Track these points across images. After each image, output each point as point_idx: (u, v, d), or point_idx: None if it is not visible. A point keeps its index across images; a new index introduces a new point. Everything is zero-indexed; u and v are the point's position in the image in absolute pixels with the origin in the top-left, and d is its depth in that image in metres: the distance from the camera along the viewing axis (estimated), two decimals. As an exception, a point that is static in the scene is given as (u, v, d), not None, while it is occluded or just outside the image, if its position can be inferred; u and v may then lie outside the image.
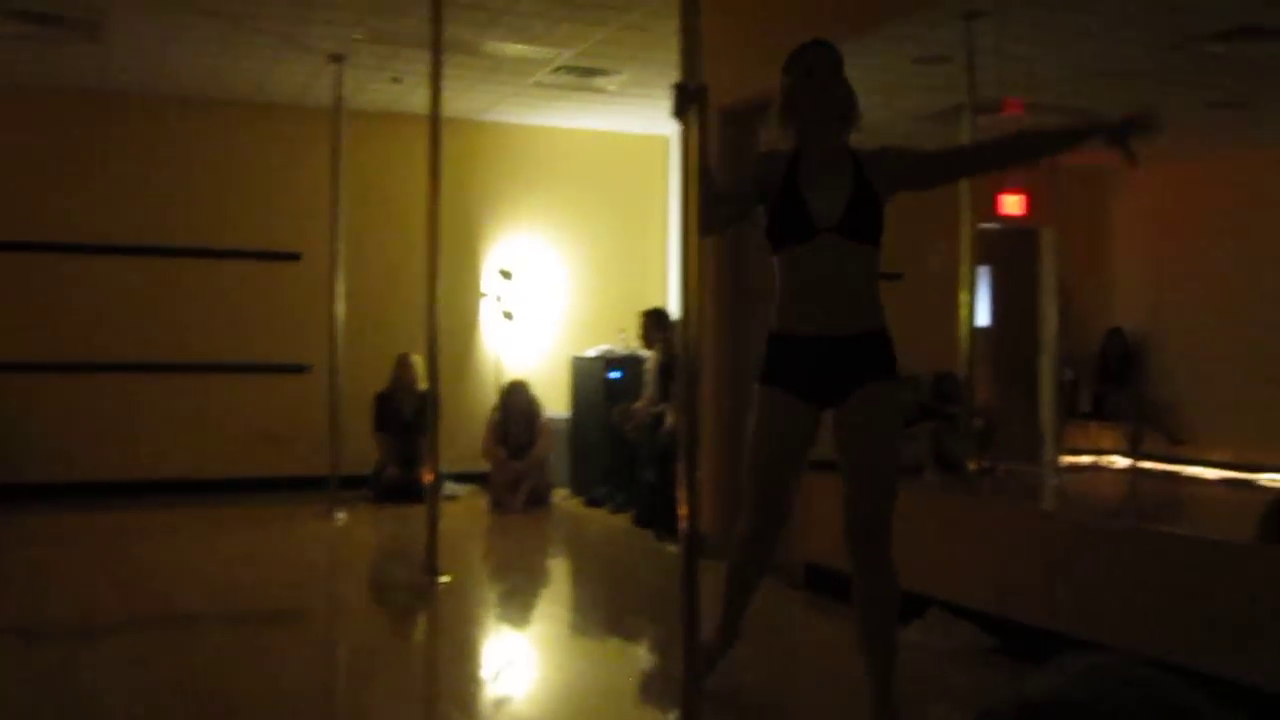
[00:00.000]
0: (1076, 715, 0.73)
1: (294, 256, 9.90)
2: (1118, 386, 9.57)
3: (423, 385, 8.18)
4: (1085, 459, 9.82)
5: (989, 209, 8.28)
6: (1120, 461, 9.67)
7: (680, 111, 3.52)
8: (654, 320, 8.83)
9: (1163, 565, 4.19)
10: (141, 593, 6.16)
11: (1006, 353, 9.03)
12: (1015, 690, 0.79)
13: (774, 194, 3.58)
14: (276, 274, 9.90)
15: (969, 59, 5.84)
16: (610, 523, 8.52)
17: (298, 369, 9.83)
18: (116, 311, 9.51)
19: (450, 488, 8.99)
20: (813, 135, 3.62)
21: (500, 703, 4.36)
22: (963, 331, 6.00)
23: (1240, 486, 8.38)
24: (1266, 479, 8.20)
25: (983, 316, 7.54)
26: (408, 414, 9.28)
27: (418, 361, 8.92)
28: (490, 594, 6.52)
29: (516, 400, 9.37)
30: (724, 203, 3.69)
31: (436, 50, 6.27)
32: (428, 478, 6.37)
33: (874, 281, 3.66)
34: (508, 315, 10.36)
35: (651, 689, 4.55)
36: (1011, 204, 8.44)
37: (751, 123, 6.88)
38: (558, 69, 8.60)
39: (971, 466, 6.25)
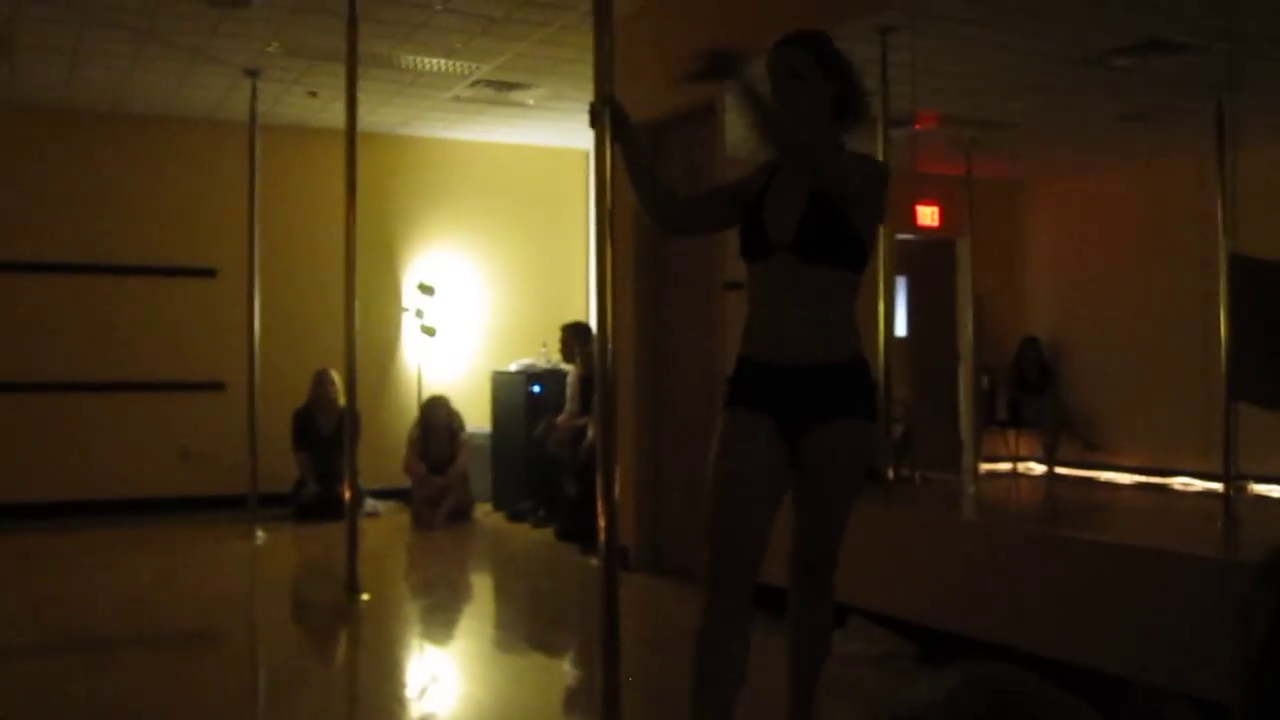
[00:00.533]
0: None
1: (209, 273, 9.77)
2: (1033, 394, 9.72)
3: (342, 401, 8.10)
4: (1003, 466, 9.95)
5: (907, 220, 8.37)
6: (1037, 468, 9.81)
7: (595, 120, 3.51)
8: (574, 334, 8.83)
9: (1078, 570, 4.26)
10: (56, 615, 6.04)
11: (924, 362, 9.13)
12: (890, 705, 0.80)
13: (745, 206, 3.26)
14: (192, 290, 9.77)
15: (883, 73, 5.90)
16: (533, 537, 8.50)
17: (215, 386, 9.70)
18: (26, 329, 9.31)
19: (371, 504, 8.93)
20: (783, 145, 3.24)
21: (422, 720, 4.33)
22: (881, 341, 6.05)
23: (1154, 490, 8.53)
24: (1179, 482, 8.36)
25: (901, 327, 7.61)
26: (327, 430, 9.19)
27: (336, 377, 8.85)
28: (413, 611, 6.47)
29: (437, 415, 9.32)
30: (669, 201, 3.43)
31: (352, 64, 6.24)
32: (347, 494, 6.31)
33: (841, 306, 3.20)
34: (428, 330, 10.30)
35: (575, 703, 4.54)
36: (927, 215, 8.54)
37: (668, 137, 6.91)
38: (475, 83, 8.58)
39: (890, 475, 6.30)
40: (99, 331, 9.51)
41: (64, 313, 9.42)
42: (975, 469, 9.33)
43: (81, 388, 9.45)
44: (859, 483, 3.35)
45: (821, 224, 3.10)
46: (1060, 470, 9.54)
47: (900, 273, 7.06)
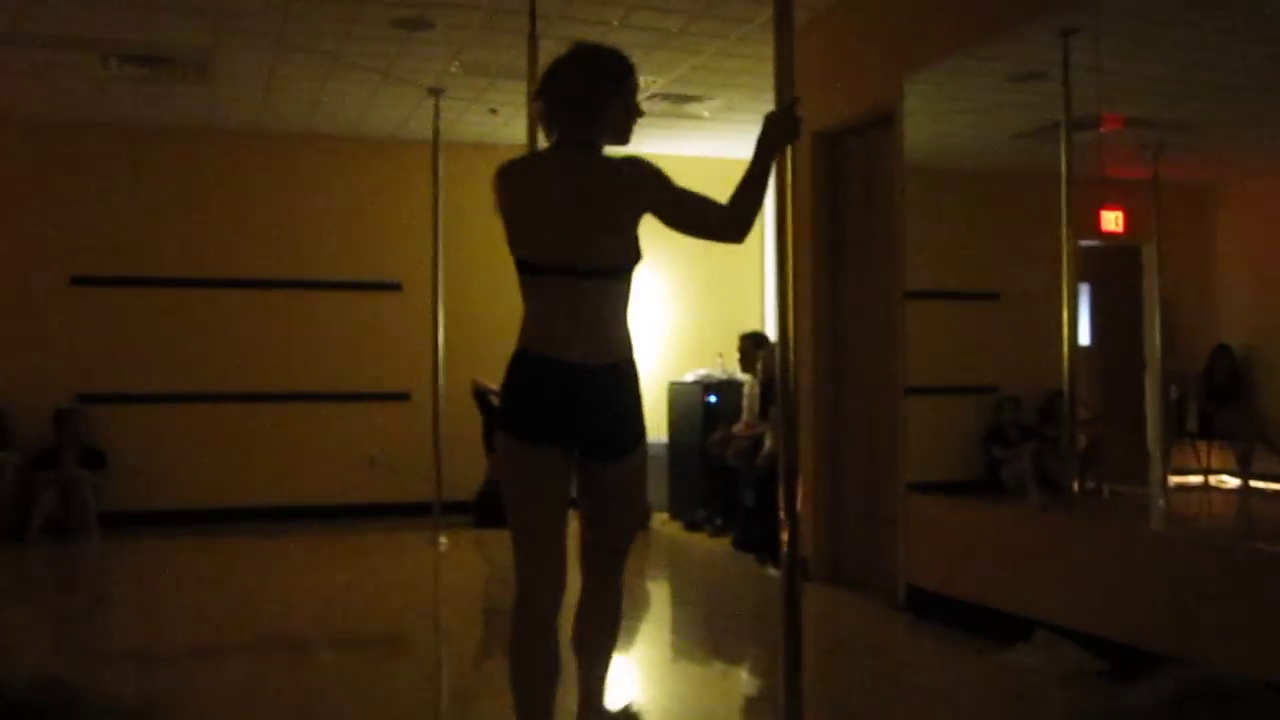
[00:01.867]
0: None
1: (395, 286, 10.07)
2: (1226, 405, 9.38)
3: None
4: (1194, 479, 9.62)
5: (1090, 226, 8.18)
6: (1230, 481, 9.46)
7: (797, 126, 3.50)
8: (752, 343, 8.84)
9: (1275, 585, 4.11)
10: (253, 616, 6.30)
11: (1110, 371, 8.89)
12: (1101, 710, 0.80)
13: None
14: (378, 304, 10.08)
15: (1065, 75, 5.79)
16: (710, 546, 8.53)
17: (400, 396, 9.99)
18: (222, 342, 9.75)
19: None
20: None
21: (604, 725, 4.38)
22: (1065, 350, 5.93)
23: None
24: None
25: (1085, 335, 7.44)
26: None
27: None
28: (592, 618, 6.55)
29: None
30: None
31: (532, 81, 6.35)
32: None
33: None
34: (605, 341, 10.41)
35: (754, 711, 4.55)
36: (1112, 220, 8.33)
37: (846, 146, 6.89)
38: (652, 96, 8.67)
39: (1075, 487, 6.17)
40: (291, 344, 9.89)
41: (259, 326, 9.83)
42: (1164, 481, 9.04)
43: (274, 398, 9.84)
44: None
45: None
46: (1255, 484, 9.19)
47: (1084, 280, 6.90)
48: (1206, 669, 0.78)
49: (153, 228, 9.64)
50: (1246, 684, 0.75)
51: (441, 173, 8.62)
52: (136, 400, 9.51)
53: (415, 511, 9.06)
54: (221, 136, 9.82)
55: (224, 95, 8.69)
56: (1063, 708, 4.35)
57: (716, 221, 3.64)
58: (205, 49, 7.50)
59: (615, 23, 6.97)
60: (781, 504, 3.52)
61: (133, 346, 9.54)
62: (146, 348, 9.57)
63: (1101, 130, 6.96)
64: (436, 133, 8.61)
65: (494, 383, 9.44)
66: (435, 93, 8.40)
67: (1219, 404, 9.38)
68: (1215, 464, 9.47)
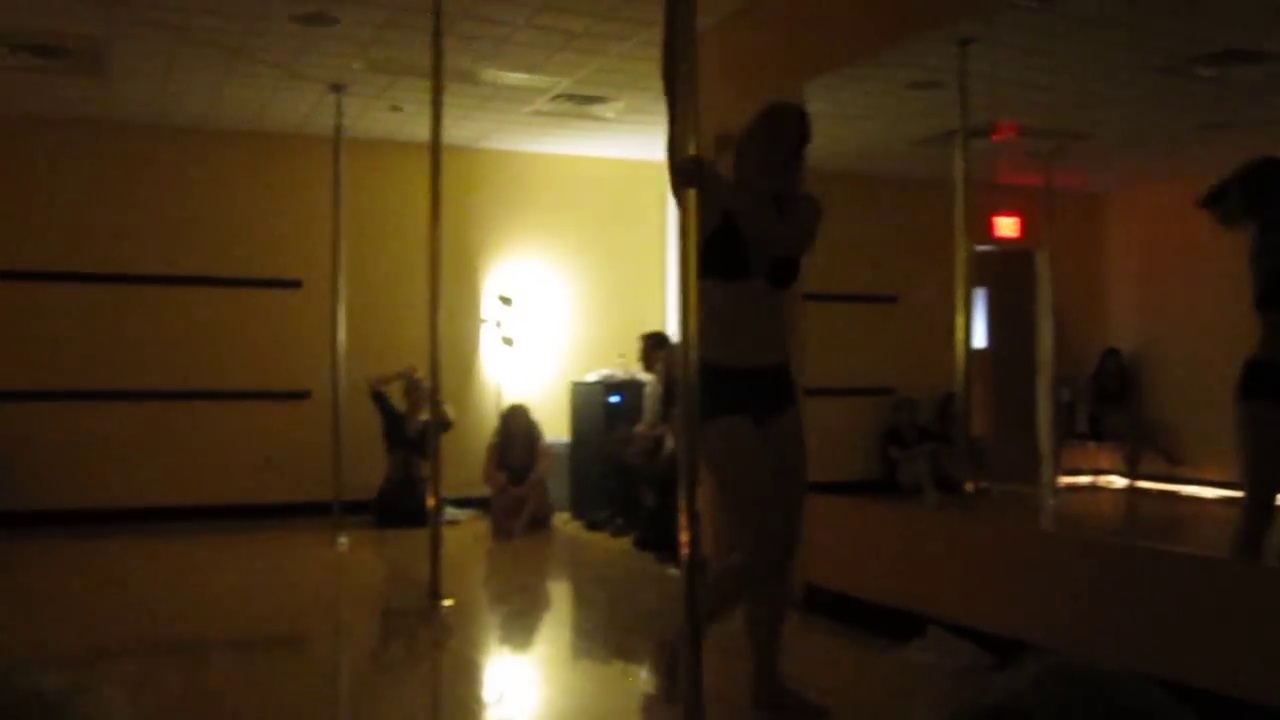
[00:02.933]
0: (1043, 713, 0.78)
1: (295, 284, 9.97)
2: (1114, 407, 9.62)
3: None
4: (1083, 479, 9.86)
5: (985, 231, 8.35)
6: (1118, 482, 9.71)
7: (679, 189, 3.64)
8: (653, 344, 8.89)
9: (1160, 582, 4.24)
10: (146, 618, 6.21)
11: (1003, 374, 9.08)
12: (975, 696, 0.84)
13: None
14: (278, 301, 9.97)
15: (962, 84, 5.91)
16: (611, 546, 8.56)
17: (300, 395, 9.89)
18: (118, 339, 9.57)
19: (451, 512, 9.04)
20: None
21: (504, 724, 4.40)
22: (959, 353, 6.05)
23: (1238, 505, 8.40)
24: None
25: (979, 339, 7.59)
26: (413, 433, 9.35)
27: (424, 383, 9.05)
28: (493, 617, 6.56)
29: (516, 424, 9.43)
30: None
31: (437, 79, 6.35)
32: (430, 501, 6.41)
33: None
34: (508, 341, 10.42)
35: (654, 710, 4.59)
36: (1006, 226, 8.51)
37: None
38: (556, 97, 8.68)
39: (969, 487, 6.30)
40: (188, 341, 9.74)
41: (154, 323, 9.66)
42: (1054, 481, 9.25)
43: (170, 396, 9.69)
44: None
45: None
46: (1142, 484, 9.44)
47: (979, 284, 7.05)
48: (1063, 655, 0.82)
49: (43, 221, 9.44)
50: (1097, 667, 0.79)
51: (343, 170, 8.56)
52: (26, 398, 9.30)
53: (315, 511, 8.99)
54: (118, 130, 9.64)
55: (121, 88, 8.54)
56: (945, 698, 4.44)
57: None
58: (101, 40, 7.36)
59: (520, 22, 6.97)
60: (682, 504, 3.56)
61: (23, 343, 9.33)
62: (37, 344, 9.37)
63: (996, 138, 7.12)
64: (338, 129, 8.55)
65: (391, 372, 9.40)
66: (337, 89, 8.34)
67: (1107, 406, 9.62)
68: (1104, 464, 9.72)
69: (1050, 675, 0.79)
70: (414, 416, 9.44)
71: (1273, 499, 4.53)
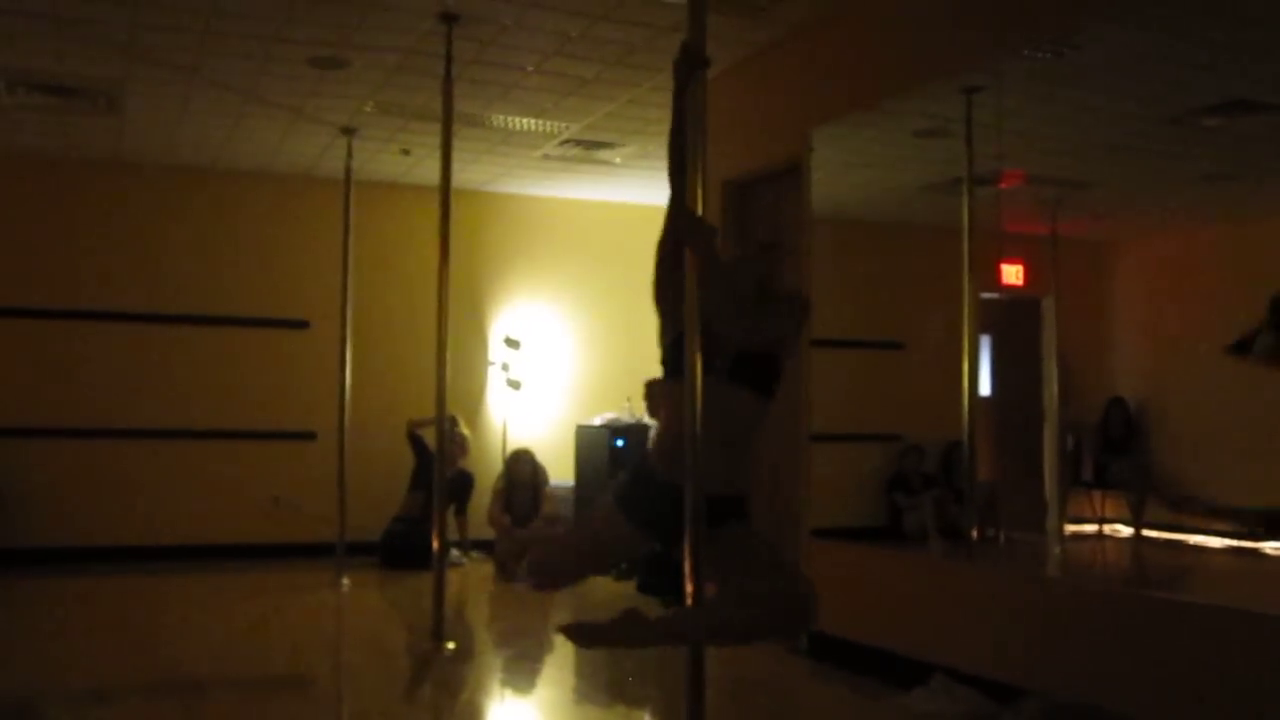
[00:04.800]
0: None
1: (302, 324, 10.00)
2: (1120, 455, 9.61)
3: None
4: (1088, 528, 9.83)
5: (991, 279, 8.37)
6: (1124, 530, 9.68)
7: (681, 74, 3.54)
8: (659, 388, 8.89)
9: (1165, 631, 4.23)
10: (149, 658, 6.19)
11: (1009, 422, 9.07)
12: None
13: None
14: (285, 342, 10.00)
15: (968, 132, 5.95)
16: (615, 590, 8.53)
17: (306, 436, 9.90)
18: (127, 378, 9.60)
19: (455, 555, 9.03)
20: None
21: (506, 768, 4.38)
22: (965, 401, 6.06)
23: (1245, 554, 8.38)
24: (1271, 547, 8.21)
25: (985, 386, 7.59)
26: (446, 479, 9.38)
27: (464, 430, 9.29)
28: (496, 660, 6.54)
29: (521, 469, 9.43)
30: None
31: (447, 123, 6.40)
32: (435, 544, 6.41)
33: None
34: (514, 384, 10.43)
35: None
36: (1012, 274, 8.53)
37: (755, 193, 7.00)
38: (565, 141, 8.74)
39: (974, 535, 6.28)
40: (197, 380, 9.76)
41: (162, 362, 9.69)
42: (1060, 529, 9.23)
43: (179, 435, 9.70)
44: None
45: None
46: (1147, 533, 9.41)
47: (985, 331, 7.06)
48: (1061, 696, 0.83)
49: (56, 260, 9.49)
50: (1098, 708, 0.80)
51: (352, 212, 8.61)
52: (36, 435, 9.32)
53: (319, 552, 8.97)
54: (130, 169, 9.71)
55: (134, 127, 8.61)
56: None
57: None
58: (116, 81, 7.43)
59: (530, 68, 7.03)
60: (686, 549, 3.56)
61: (33, 380, 9.36)
62: (47, 382, 9.40)
63: (1002, 186, 7.15)
64: (348, 172, 8.60)
65: (430, 418, 9.53)
66: (348, 132, 8.40)
67: (1113, 454, 9.60)
68: (1109, 513, 9.69)
69: (1052, 716, 0.80)
70: (449, 463, 9.45)
71: None
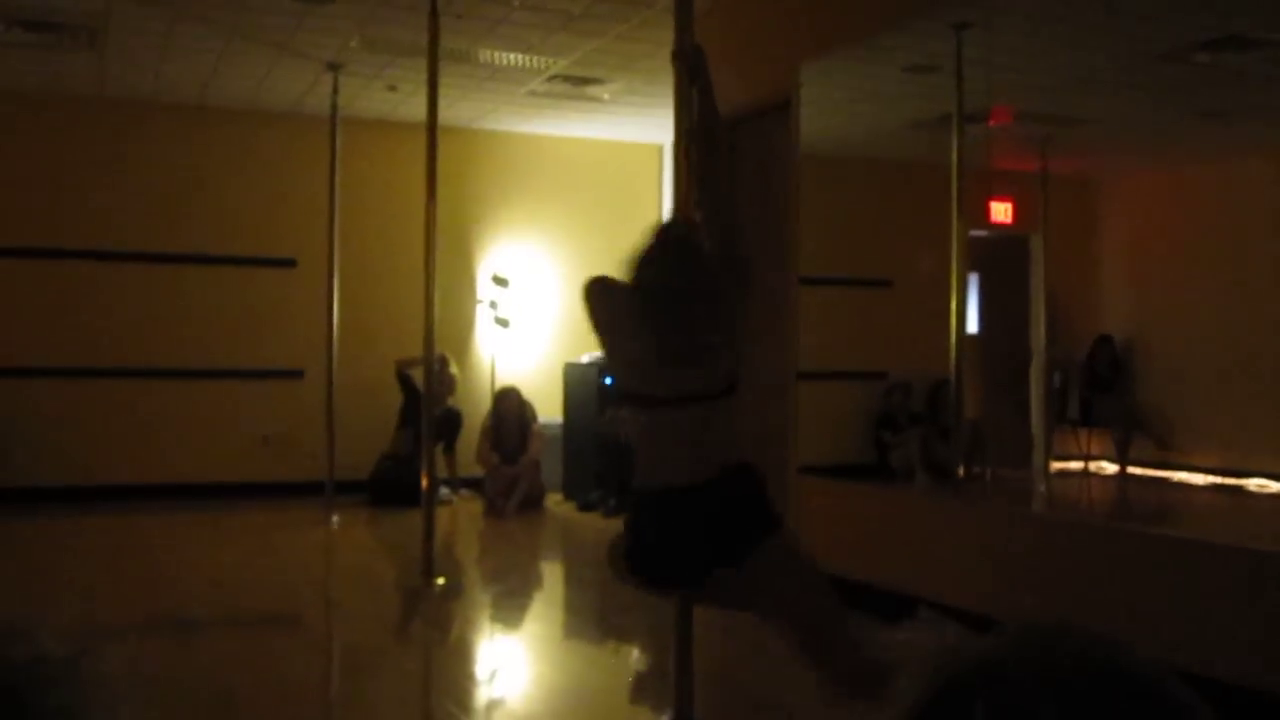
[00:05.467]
0: (1022, 669, 0.78)
1: (290, 263, 9.96)
2: (1106, 393, 9.65)
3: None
4: (1074, 465, 9.89)
5: (980, 216, 8.36)
6: (1109, 467, 9.74)
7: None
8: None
9: (1150, 565, 4.27)
10: (143, 596, 6.23)
11: (996, 359, 9.10)
12: (953, 659, 0.84)
13: None
14: (273, 280, 9.96)
15: (958, 68, 5.92)
16: (603, 526, 8.58)
17: (294, 374, 9.90)
18: (114, 317, 9.56)
19: (444, 492, 9.06)
20: None
21: (497, 701, 4.43)
22: (952, 338, 6.07)
23: (1229, 491, 8.45)
24: (1254, 483, 8.28)
25: (973, 324, 7.61)
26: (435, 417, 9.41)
27: (453, 368, 9.28)
28: (485, 596, 6.59)
29: (508, 406, 9.45)
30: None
31: (433, 59, 6.35)
32: (425, 481, 6.43)
33: None
34: (502, 322, 10.43)
35: (645, 687, 4.62)
36: (1001, 211, 8.52)
37: (742, 133, 6.97)
38: (552, 78, 8.68)
39: (960, 472, 6.33)
40: (184, 319, 9.73)
41: (151, 301, 9.66)
42: (1046, 467, 9.29)
43: (167, 374, 9.69)
44: None
45: None
46: (1133, 470, 9.47)
47: (973, 269, 7.07)
48: (1038, 620, 0.83)
49: (40, 198, 9.42)
50: (1079, 626, 0.80)
51: (339, 149, 8.56)
52: (24, 374, 9.30)
53: (308, 490, 8.99)
54: (113, 106, 9.62)
55: (116, 64, 8.52)
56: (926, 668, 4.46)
57: None
58: (98, 16, 7.34)
59: (517, 3, 6.97)
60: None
61: (19, 319, 9.32)
62: (34, 320, 9.35)
63: (992, 123, 7.13)
64: (334, 108, 8.55)
65: (419, 356, 9.58)
66: (334, 68, 8.33)
67: (1099, 392, 9.65)
68: (1095, 450, 9.75)
69: (1031, 635, 0.80)
70: (437, 401, 9.48)
71: None
